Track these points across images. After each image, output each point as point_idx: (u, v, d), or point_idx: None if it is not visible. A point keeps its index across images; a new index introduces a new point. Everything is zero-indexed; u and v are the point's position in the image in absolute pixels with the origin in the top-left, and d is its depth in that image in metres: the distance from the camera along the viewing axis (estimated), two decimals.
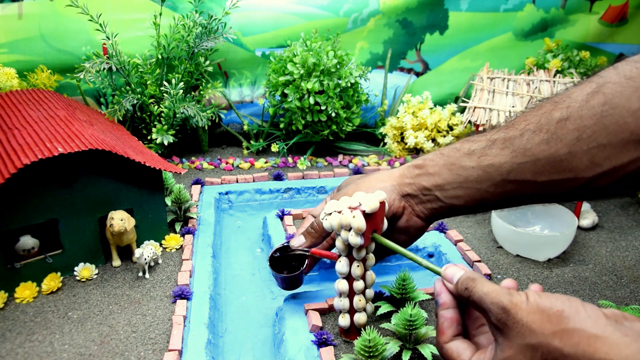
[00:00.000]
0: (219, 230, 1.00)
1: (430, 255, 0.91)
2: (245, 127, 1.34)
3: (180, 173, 0.90)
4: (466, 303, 0.47)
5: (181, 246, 0.89)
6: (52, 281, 0.77)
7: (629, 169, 0.48)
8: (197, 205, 1.02)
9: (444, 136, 1.30)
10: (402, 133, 1.33)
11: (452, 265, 0.49)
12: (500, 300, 0.42)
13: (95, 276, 0.81)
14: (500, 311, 0.41)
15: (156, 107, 1.19)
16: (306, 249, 0.69)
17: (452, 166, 0.59)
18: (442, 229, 0.95)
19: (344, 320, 0.66)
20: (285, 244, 0.71)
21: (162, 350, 0.65)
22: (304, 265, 0.70)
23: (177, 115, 1.18)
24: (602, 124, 0.48)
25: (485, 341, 0.47)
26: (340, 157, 1.30)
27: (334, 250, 0.67)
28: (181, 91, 1.15)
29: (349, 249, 0.63)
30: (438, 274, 0.52)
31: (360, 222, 0.58)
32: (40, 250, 0.78)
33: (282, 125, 1.29)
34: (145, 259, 0.78)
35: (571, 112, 0.50)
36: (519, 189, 0.55)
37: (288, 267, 0.71)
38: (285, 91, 1.21)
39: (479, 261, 0.85)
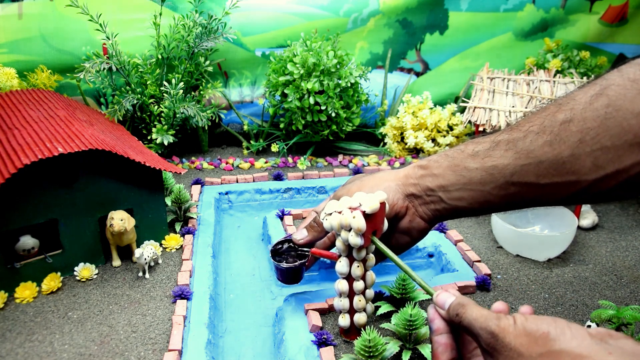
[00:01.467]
0: (219, 230, 1.00)
1: (430, 255, 0.91)
2: (245, 127, 1.34)
3: (180, 173, 0.90)
4: (458, 328, 0.47)
5: (181, 246, 0.89)
6: (52, 281, 0.77)
7: (632, 172, 0.47)
8: (197, 205, 1.02)
9: (444, 136, 1.30)
10: (402, 133, 1.33)
11: (443, 291, 0.49)
12: (488, 325, 0.42)
13: (95, 276, 0.81)
14: (489, 336, 0.42)
15: (156, 107, 1.19)
16: (306, 249, 0.69)
17: (456, 167, 0.59)
18: (442, 229, 0.95)
19: (344, 321, 0.66)
20: (288, 237, 0.71)
21: (162, 350, 0.65)
22: (306, 259, 0.70)
23: (177, 115, 1.18)
24: (606, 126, 0.48)
25: None
26: (340, 157, 1.30)
27: (334, 250, 0.67)
28: (181, 91, 1.15)
29: (349, 249, 0.63)
30: (428, 293, 0.53)
31: (361, 223, 0.58)
32: (40, 250, 0.78)
33: (282, 125, 1.29)
34: (145, 259, 0.78)
35: (575, 114, 0.50)
36: (522, 192, 0.55)
37: (289, 261, 0.71)
38: (285, 91, 1.21)
39: (479, 261, 0.85)
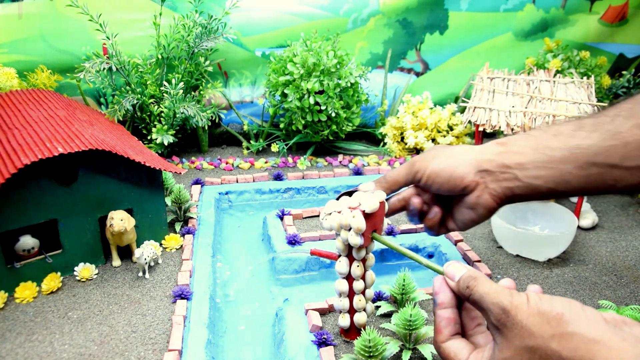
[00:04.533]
0: (219, 230, 1.00)
1: (430, 256, 0.91)
2: (245, 127, 1.34)
3: (180, 173, 0.90)
4: (466, 301, 0.47)
5: (181, 246, 0.89)
6: (52, 281, 0.77)
7: None
8: (197, 205, 1.02)
9: (444, 136, 1.30)
10: (402, 133, 1.33)
11: (455, 262, 0.49)
12: (500, 300, 0.42)
13: (95, 276, 0.81)
14: (500, 312, 0.41)
15: (156, 107, 1.19)
16: (305, 249, 0.69)
17: (538, 146, 0.59)
18: None
19: (343, 320, 0.66)
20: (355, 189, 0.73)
21: (162, 350, 0.65)
22: None
23: (177, 115, 1.18)
24: None
25: (483, 341, 0.47)
26: (340, 157, 1.30)
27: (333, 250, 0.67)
28: (181, 91, 1.15)
29: (348, 249, 0.62)
30: (439, 272, 0.52)
31: (360, 222, 0.58)
32: (40, 250, 0.78)
33: (282, 125, 1.29)
34: (145, 259, 0.78)
35: None
36: (603, 174, 0.55)
37: None
38: (285, 91, 1.21)
39: (479, 261, 0.85)
